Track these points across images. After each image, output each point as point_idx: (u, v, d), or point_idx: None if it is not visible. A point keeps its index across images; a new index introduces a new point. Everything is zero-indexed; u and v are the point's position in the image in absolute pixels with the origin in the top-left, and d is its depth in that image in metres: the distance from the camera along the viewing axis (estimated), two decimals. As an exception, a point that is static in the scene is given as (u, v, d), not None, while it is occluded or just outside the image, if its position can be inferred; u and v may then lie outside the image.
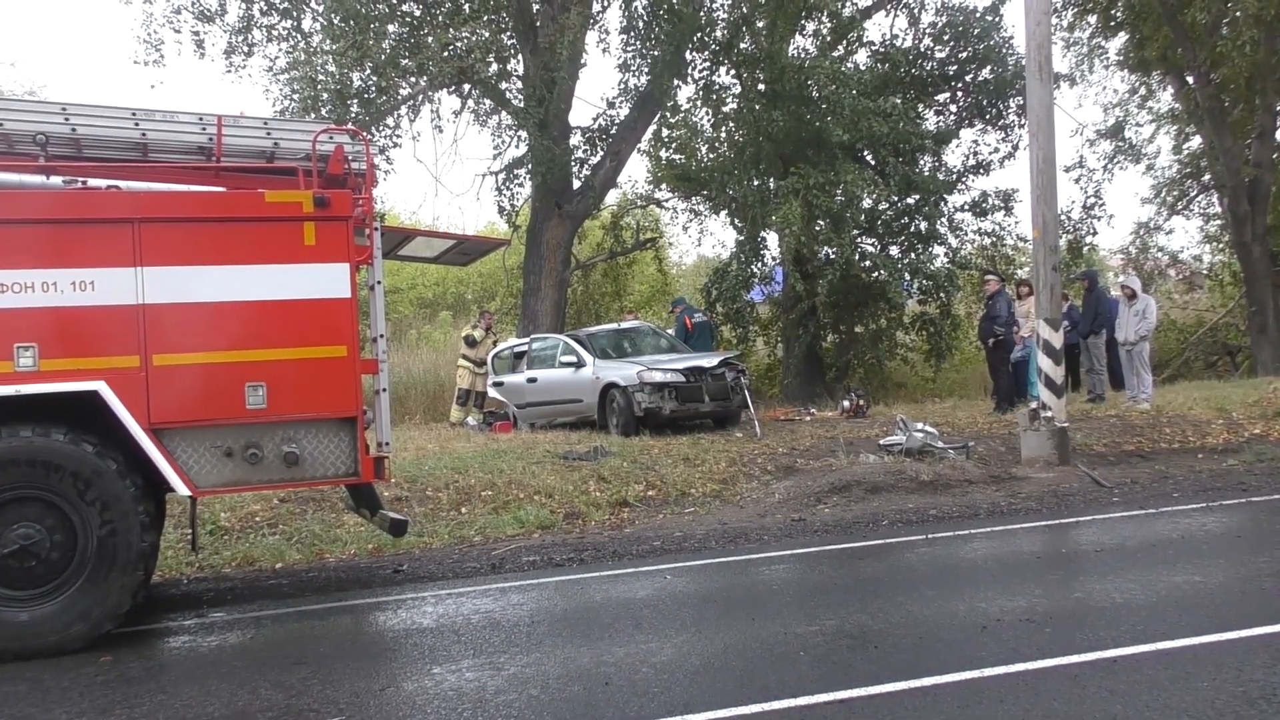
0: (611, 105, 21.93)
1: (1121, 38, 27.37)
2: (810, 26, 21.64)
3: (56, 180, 7.85)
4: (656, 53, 19.55)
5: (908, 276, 21.74)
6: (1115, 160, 27.61)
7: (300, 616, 7.85)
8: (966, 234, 23.60)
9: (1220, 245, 30.83)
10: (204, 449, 7.39)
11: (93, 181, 7.83)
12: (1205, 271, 32.31)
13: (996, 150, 23.48)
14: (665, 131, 21.72)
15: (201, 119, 8.27)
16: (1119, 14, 26.09)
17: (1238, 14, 21.47)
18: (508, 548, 9.98)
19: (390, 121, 21.24)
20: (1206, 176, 28.29)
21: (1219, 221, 29.52)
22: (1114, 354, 17.05)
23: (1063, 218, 23.27)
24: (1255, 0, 19.69)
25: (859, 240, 21.05)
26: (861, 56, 23.24)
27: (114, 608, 7.03)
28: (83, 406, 7.06)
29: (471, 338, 20.42)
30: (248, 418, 7.44)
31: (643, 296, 30.28)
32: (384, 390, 8.21)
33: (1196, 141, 28.36)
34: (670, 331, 19.77)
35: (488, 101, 22.32)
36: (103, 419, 7.07)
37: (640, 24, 19.40)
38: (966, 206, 23.26)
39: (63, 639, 6.88)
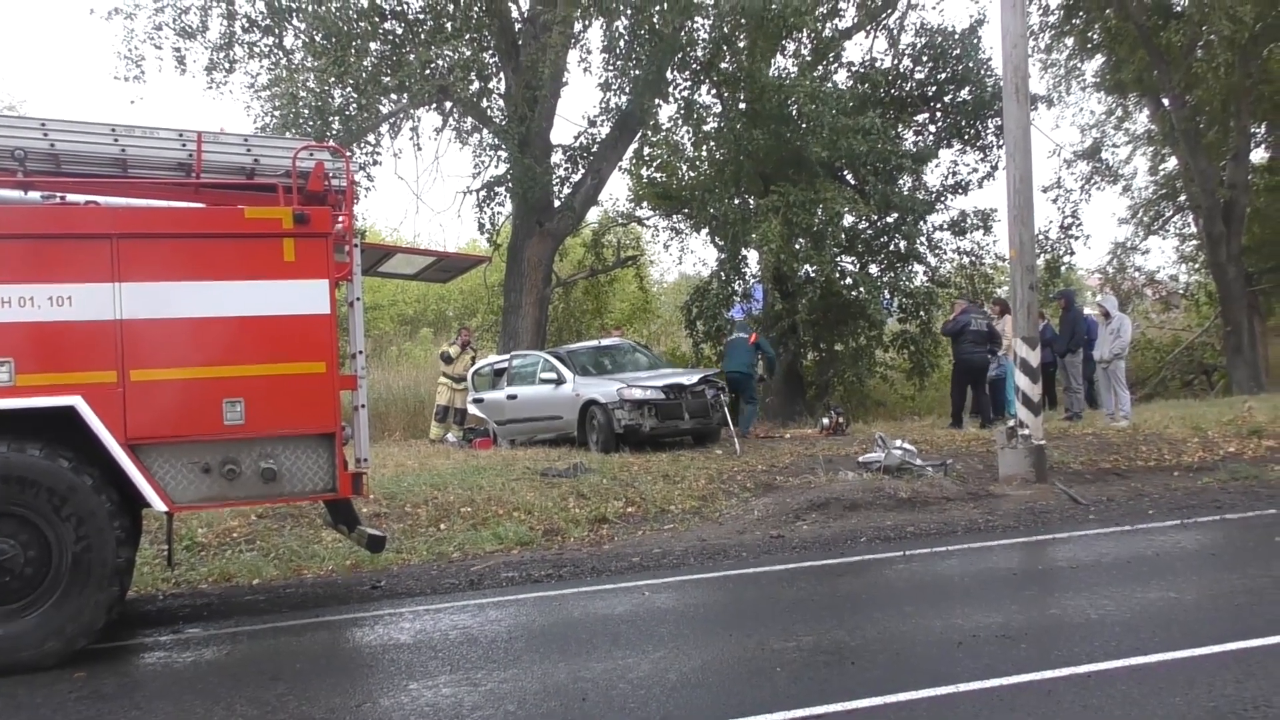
0: (593, 124, 22.02)
1: (1098, 60, 27.70)
2: (791, 46, 21.77)
3: (35, 195, 7.84)
4: (638, 72, 19.63)
5: (888, 295, 21.85)
6: (1092, 181, 27.87)
7: (277, 632, 7.82)
8: (946, 253, 23.77)
9: (1196, 265, 31.14)
10: (181, 464, 7.37)
11: (71, 197, 7.82)
12: (1181, 291, 32.60)
13: (975, 170, 23.65)
14: (646, 150, 21.80)
15: (181, 135, 8.28)
16: (1096, 36, 26.40)
17: (1212, 37, 21.73)
18: (486, 564, 9.97)
19: (371, 139, 21.25)
20: (1182, 197, 28.59)
21: (1195, 242, 29.84)
22: (1089, 372, 17.23)
23: (1040, 237, 23.43)
24: (1229, 24, 19.94)
25: (839, 258, 21.15)
26: (841, 76, 23.41)
27: (89, 623, 6.99)
28: (59, 421, 7.04)
29: (447, 354, 20.44)
30: (225, 433, 7.43)
31: (623, 314, 30.31)
32: (363, 406, 8.21)
33: (1172, 163, 28.68)
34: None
35: (469, 119, 22.36)
36: (79, 434, 7.05)
37: (622, 43, 19.48)
38: (945, 226, 23.41)
39: (37, 655, 6.83)
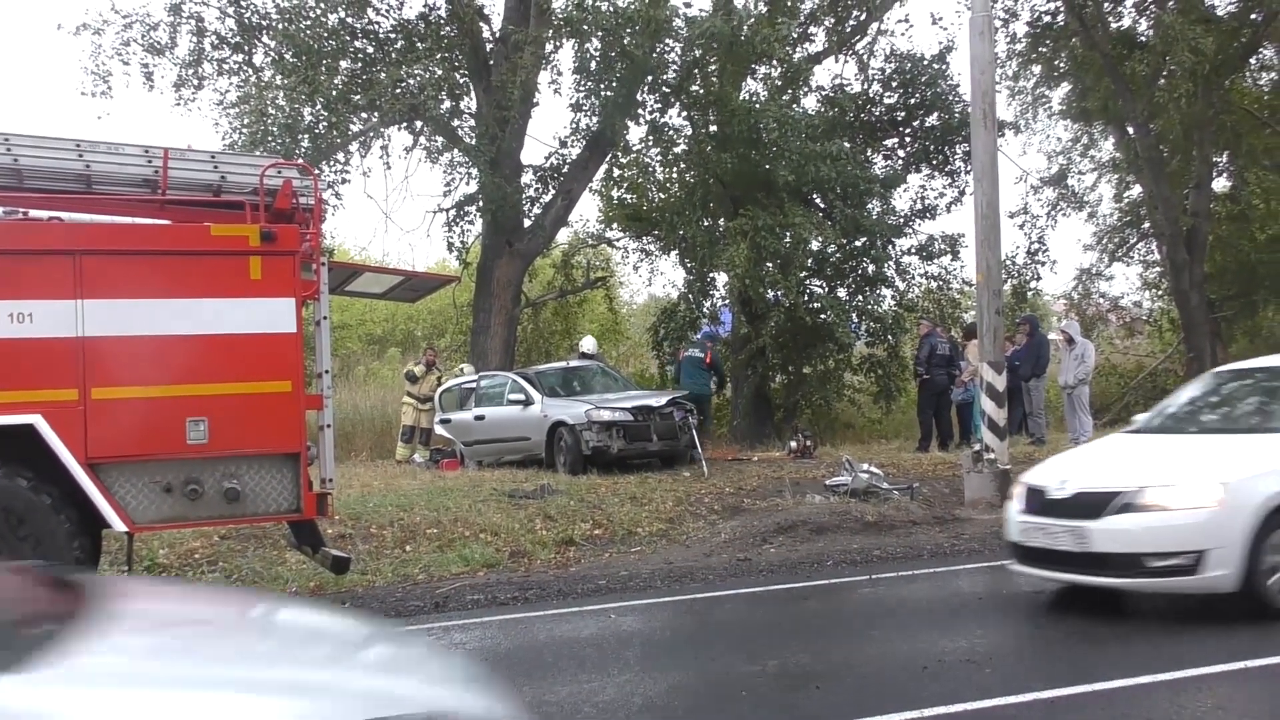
0: (564, 144, 22.00)
1: (1064, 88, 28.03)
2: (761, 70, 21.89)
3: (-3, 210, 7.76)
4: (608, 93, 19.69)
5: (855, 318, 21.92)
6: (1058, 207, 28.13)
7: (238, 656, 7.70)
8: (914, 277, 23.87)
9: (1159, 292, 31.47)
10: (142, 484, 7.28)
11: (34, 213, 7.74)
12: (1145, 318, 32.94)
13: (943, 195, 23.77)
14: (617, 171, 21.84)
15: (147, 151, 8.22)
16: (1062, 64, 26.73)
17: (1174, 68, 22.04)
18: (452, 586, 9.89)
19: (340, 157, 21.17)
20: (1146, 225, 28.93)
21: (1158, 269, 30.17)
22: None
23: (1007, 263, 23.60)
24: (1191, 55, 20.23)
25: (807, 282, 21.21)
26: (811, 101, 23.56)
27: (45, 646, 6.86)
28: (18, 440, 6.93)
29: (412, 374, 20.34)
30: (188, 453, 7.34)
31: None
32: (329, 426, 8.15)
33: (1137, 190, 29.02)
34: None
35: (439, 138, 22.33)
36: (39, 453, 6.95)
37: (593, 65, 19.53)
38: (914, 250, 23.52)
39: (-9, 678, 6.70)
